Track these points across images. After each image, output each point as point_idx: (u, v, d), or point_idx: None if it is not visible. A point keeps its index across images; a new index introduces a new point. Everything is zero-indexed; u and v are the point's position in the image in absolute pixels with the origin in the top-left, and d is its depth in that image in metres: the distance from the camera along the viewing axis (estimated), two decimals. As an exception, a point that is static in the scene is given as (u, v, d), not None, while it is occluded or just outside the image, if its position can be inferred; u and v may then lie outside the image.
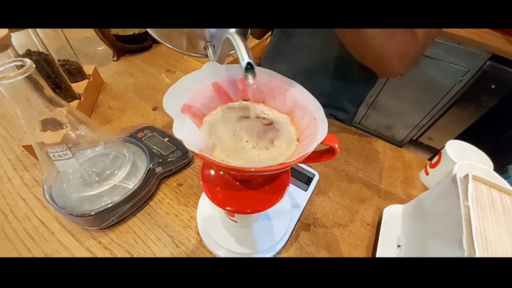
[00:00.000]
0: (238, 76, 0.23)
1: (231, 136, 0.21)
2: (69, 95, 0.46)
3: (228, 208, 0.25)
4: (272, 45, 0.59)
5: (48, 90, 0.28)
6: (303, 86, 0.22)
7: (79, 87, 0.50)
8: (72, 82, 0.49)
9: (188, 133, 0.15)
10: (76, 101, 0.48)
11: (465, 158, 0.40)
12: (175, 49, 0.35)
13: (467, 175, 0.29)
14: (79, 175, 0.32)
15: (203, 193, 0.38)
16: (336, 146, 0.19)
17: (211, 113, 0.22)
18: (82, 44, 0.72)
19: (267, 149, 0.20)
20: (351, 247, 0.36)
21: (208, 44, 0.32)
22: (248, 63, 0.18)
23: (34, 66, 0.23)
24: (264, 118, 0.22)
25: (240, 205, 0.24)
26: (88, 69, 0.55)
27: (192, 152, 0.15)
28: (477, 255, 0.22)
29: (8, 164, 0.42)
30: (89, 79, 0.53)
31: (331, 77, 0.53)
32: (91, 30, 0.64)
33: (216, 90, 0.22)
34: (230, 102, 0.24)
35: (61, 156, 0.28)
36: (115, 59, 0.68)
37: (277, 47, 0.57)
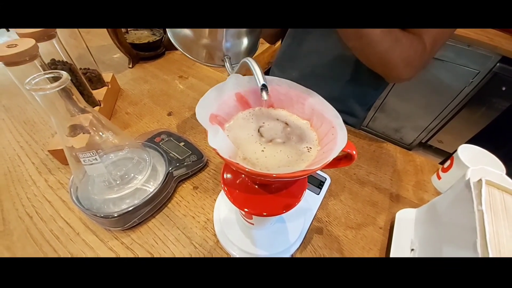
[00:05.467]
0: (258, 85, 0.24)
1: (251, 141, 0.22)
2: (91, 102, 0.49)
3: (246, 210, 0.26)
4: (283, 52, 0.60)
5: (78, 98, 0.30)
6: (313, 91, 0.24)
7: (99, 94, 0.53)
8: (92, 89, 0.51)
9: (221, 142, 0.17)
10: (97, 108, 0.50)
11: (477, 162, 0.41)
12: (195, 59, 0.37)
13: (480, 180, 0.29)
14: (104, 178, 0.34)
15: (219, 196, 0.40)
16: (354, 152, 0.20)
17: (232, 119, 0.24)
18: (99, 52, 0.75)
19: (289, 154, 0.21)
20: (364, 250, 0.37)
21: (225, 57, 0.34)
22: (263, 85, 0.21)
23: (70, 78, 0.25)
24: (285, 123, 0.23)
25: (259, 208, 0.26)
26: (106, 76, 0.58)
27: (223, 158, 0.16)
28: (492, 259, 0.22)
29: (32, 168, 0.44)
30: (108, 86, 0.56)
31: (341, 82, 0.54)
32: (108, 38, 0.66)
33: (239, 100, 0.23)
34: (249, 109, 0.25)
35: (90, 161, 0.30)
36: (130, 66, 0.70)
37: (287, 53, 0.58)
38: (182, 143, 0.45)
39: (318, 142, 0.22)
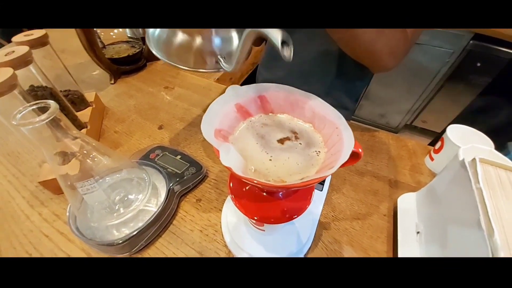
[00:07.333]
0: (257, 94, 0.24)
1: (257, 150, 0.22)
2: (76, 125, 0.47)
3: (256, 218, 0.26)
4: (268, 53, 0.60)
5: (67, 125, 0.29)
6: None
7: (83, 115, 0.51)
8: (76, 111, 0.49)
9: (233, 160, 0.16)
10: (84, 130, 0.48)
11: (466, 141, 0.43)
12: (185, 68, 0.34)
13: (474, 159, 0.31)
14: (105, 205, 0.33)
15: (225, 206, 0.39)
16: (360, 150, 0.21)
17: (235, 130, 0.23)
18: (77, 70, 0.71)
19: (297, 161, 0.21)
20: (372, 239, 0.38)
21: (219, 57, 0.32)
22: (283, 41, 0.19)
23: (58, 107, 0.24)
24: (290, 130, 0.23)
25: (270, 215, 0.26)
26: (89, 96, 0.56)
27: (236, 175, 0.16)
28: (496, 234, 0.23)
29: (23, 202, 0.42)
30: (92, 106, 0.54)
31: (330, 77, 0.55)
32: (84, 55, 0.64)
33: (239, 110, 0.23)
34: (249, 117, 0.25)
35: (89, 189, 0.29)
36: (112, 82, 0.68)
37: (272, 53, 0.59)
38: (179, 156, 0.44)
39: (324, 144, 0.22)
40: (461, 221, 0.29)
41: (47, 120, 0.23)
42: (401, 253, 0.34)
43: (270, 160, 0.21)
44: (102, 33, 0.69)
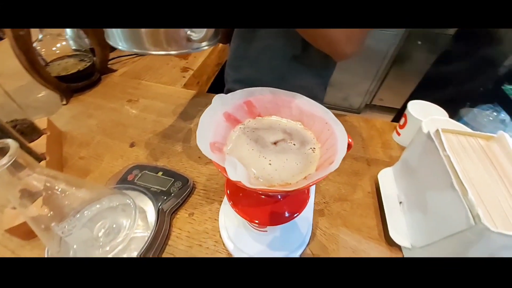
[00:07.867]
0: (242, 100, 0.23)
1: (254, 157, 0.22)
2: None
3: (257, 221, 0.26)
4: (234, 52, 0.59)
5: (29, 161, 0.25)
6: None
7: (38, 146, 0.45)
8: (29, 143, 0.43)
9: (242, 174, 0.16)
10: (43, 163, 0.42)
11: (425, 113, 0.48)
12: (159, 53, 0.31)
13: (437, 130, 0.34)
14: (91, 243, 0.29)
15: (220, 214, 0.38)
16: (350, 140, 0.22)
17: (228, 140, 0.23)
18: (19, 94, 0.61)
19: (296, 160, 0.21)
20: (363, 217, 0.41)
21: (189, 32, 0.29)
22: None
23: (19, 146, 0.21)
24: (282, 131, 0.23)
25: (272, 217, 0.26)
26: (40, 122, 0.49)
27: (246, 187, 0.16)
28: (469, 193, 0.26)
29: (-11, 256, 0.36)
30: (46, 133, 0.47)
31: (298, 69, 0.56)
32: (24, 76, 0.56)
33: (228, 119, 0.22)
34: (239, 124, 0.25)
35: (69, 230, 0.25)
36: (64, 103, 0.61)
37: (239, 52, 0.58)
38: (160, 173, 0.42)
39: (316, 140, 0.23)
40: (436, 186, 0.33)
41: (8, 164, 0.20)
42: (390, 224, 0.37)
43: (270, 164, 0.21)
44: (43, 49, 0.61)
